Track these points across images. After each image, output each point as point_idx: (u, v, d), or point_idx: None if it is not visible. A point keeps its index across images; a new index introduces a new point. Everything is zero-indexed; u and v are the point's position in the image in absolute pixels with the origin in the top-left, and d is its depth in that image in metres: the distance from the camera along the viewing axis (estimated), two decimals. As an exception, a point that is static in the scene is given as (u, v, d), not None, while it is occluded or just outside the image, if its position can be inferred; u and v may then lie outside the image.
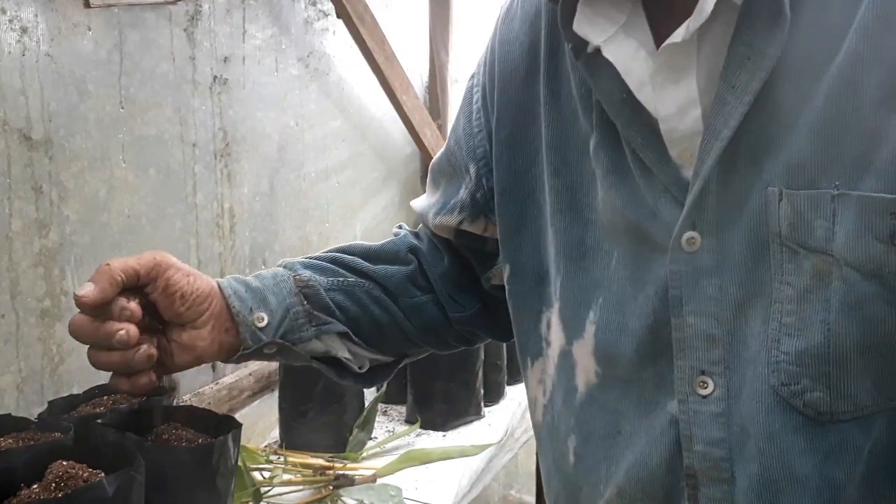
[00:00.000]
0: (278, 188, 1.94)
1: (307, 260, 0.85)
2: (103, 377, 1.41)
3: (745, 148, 0.58)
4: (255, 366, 1.83)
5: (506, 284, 0.79)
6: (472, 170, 0.81)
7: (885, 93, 0.52)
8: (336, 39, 2.14)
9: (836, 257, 0.54)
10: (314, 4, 2.04)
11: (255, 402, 1.79)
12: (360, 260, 0.85)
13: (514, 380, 1.99)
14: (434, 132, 2.58)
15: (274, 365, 1.73)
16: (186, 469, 1.01)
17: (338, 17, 2.08)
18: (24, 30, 1.27)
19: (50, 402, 1.19)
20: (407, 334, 0.87)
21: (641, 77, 0.60)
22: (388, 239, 0.90)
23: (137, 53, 1.48)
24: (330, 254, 0.86)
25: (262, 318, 0.77)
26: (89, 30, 1.39)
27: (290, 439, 1.58)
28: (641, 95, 0.61)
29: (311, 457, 1.51)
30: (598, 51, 0.62)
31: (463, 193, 0.83)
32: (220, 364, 1.77)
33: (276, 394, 1.64)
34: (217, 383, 1.72)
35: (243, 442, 1.18)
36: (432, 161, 0.90)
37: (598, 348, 0.68)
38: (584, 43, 0.63)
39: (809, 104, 0.55)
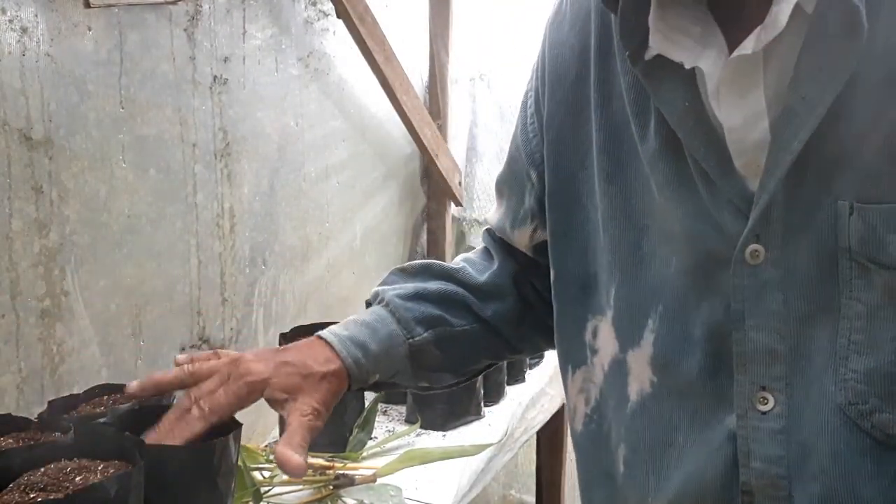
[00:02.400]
0: (278, 188, 1.94)
1: (416, 300, 0.83)
2: (103, 377, 1.42)
3: (815, 160, 0.56)
4: (255, 366, 1.82)
5: (552, 289, 0.78)
6: (534, 175, 0.81)
7: None
8: (336, 39, 2.14)
9: None
10: (314, 4, 2.03)
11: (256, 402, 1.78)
12: (470, 298, 0.84)
13: (514, 380, 1.98)
14: (434, 132, 2.58)
15: (274, 365, 1.73)
16: (187, 469, 1.01)
17: (338, 17, 2.08)
18: (24, 30, 1.27)
19: (50, 402, 1.18)
20: (504, 355, 0.91)
21: (714, 88, 0.60)
22: (487, 263, 0.88)
23: (138, 53, 1.48)
24: (442, 286, 0.85)
25: (374, 376, 0.81)
26: (89, 30, 1.39)
27: (290, 439, 1.57)
28: (713, 103, 0.60)
29: (311, 456, 1.50)
30: (657, 57, 0.62)
31: (529, 201, 0.82)
32: (220, 364, 1.76)
33: (276, 394, 1.64)
34: (217, 383, 1.71)
35: (243, 441, 1.18)
36: (498, 173, 0.90)
37: (657, 357, 0.67)
38: (642, 48, 0.62)
39: (884, 116, 0.54)
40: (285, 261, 1.99)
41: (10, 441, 0.99)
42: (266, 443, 1.65)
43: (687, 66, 0.60)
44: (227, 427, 1.09)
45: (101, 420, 1.08)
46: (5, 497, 0.83)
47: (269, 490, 1.38)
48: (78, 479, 0.86)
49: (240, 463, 1.19)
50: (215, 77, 1.69)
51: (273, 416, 1.67)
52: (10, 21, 1.25)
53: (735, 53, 0.57)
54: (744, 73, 0.58)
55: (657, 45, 0.60)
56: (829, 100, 0.54)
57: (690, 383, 0.64)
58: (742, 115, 0.59)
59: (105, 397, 1.22)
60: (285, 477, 1.43)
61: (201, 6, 1.64)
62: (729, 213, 0.61)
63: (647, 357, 0.67)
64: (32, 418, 1.08)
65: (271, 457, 1.50)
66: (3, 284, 1.26)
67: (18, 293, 1.28)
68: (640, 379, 0.68)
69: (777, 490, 0.59)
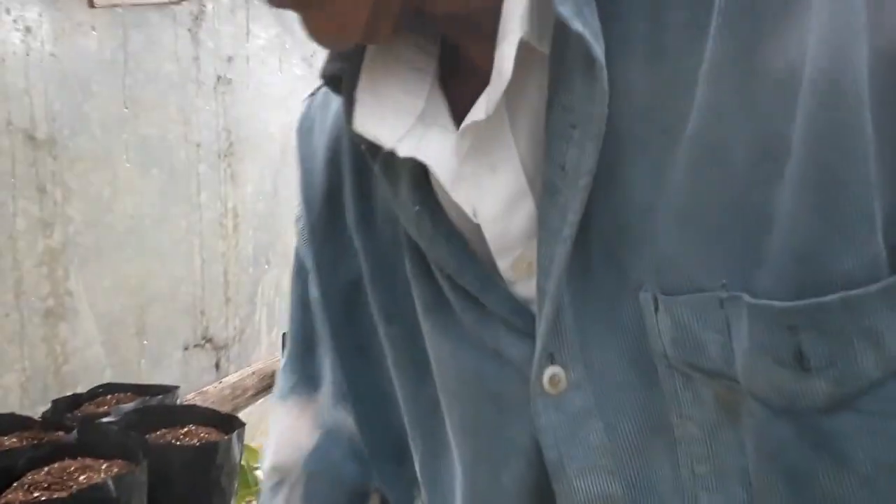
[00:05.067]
0: (282, 188, 1.95)
1: None
2: (107, 376, 1.42)
3: (599, 245, 0.42)
4: (258, 365, 1.83)
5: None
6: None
7: (759, 154, 0.35)
8: (340, 39, 2.14)
9: (742, 384, 0.38)
10: (318, 4, 2.03)
11: (259, 401, 1.79)
12: None
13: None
14: (438, 132, 2.58)
15: (277, 364, 1.73)
16: (190, 468, 1.01)
17: (341, 16, 2.08)
18: (28, 30, 1.27)
19: (54, 401, 1.19)
20: None
21: (452, 173, 0.44)
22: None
23: (141, 53, 1.48)
24: None
25: None
26: (93, 30, 1.39)
27: (294, 439, 1.57)
28: (457, 196, 0.44)
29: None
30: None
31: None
32: (223, 363, 1.77)
33: (279, 393, 1.64)
34: (220, 382, 1.72)
35: (246, 441, 1.18)
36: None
37: None
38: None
39: (668, 180, 0.39)
40: (289, 260, 1.99)
41: (14, 440, 0.99)
42: (269, 442, 1.65)
43: (401, 154, 0.44)
44: (230, 426, 1.09)
45: (105, 419, 1.08)
46: (9, 496, 0.84)
47: (273, 489, 1.38)
48: (82, 478, 0.87)
49: (243, 462, 1.19)
50: (219, 77, 1.70)
51: (276, 415, 1.67)
52: (15, 21, 1.25)
53: (465, 123, 0.42)
54: (487, 146, 0.43)
55: (363, 126, 0.45)
56: (591, 165, 0.39)
57: None
58: (498, 200, 0.44)
59: (109, 396, 1.22)
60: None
61: (205, 6, 1.64)
62: (507, 337, 0.46)
63: None
64: (36, 417, 1.08)
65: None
66: (7, 284, 1.26)
67: (22, 293, 1.29)
68: None
69: None
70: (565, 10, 0.36)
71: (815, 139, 0.33)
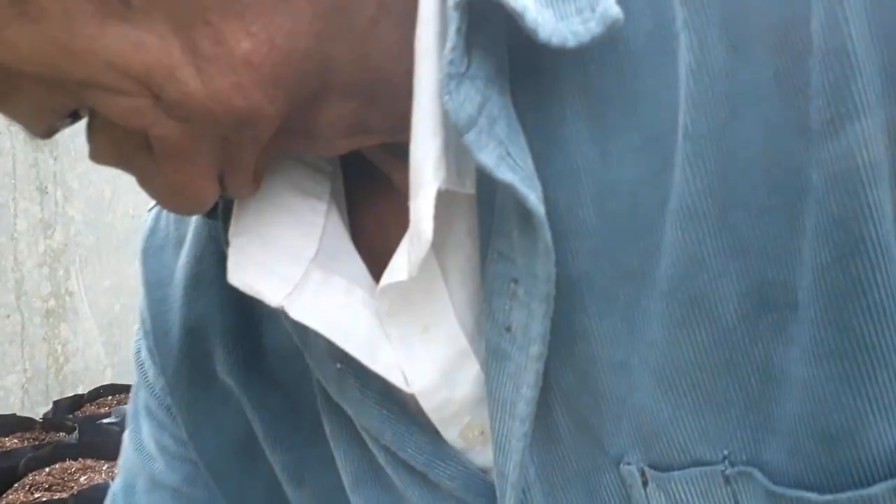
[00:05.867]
0: (282, 188, 1.94)
1: None
2: (107, 377, 1.42)
3: (565, 410, 0.34)
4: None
5: None
6: None
7: (755, 306, 0.29)
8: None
9: None
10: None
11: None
12: None
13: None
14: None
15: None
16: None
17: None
18: (29, 30, 1.27)
19: (55, 402, 1.19)
20: None
21: (369, 335, 0.36)
22: None
23: (142, 54, 1.48)
24: None
25: None
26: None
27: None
28: (378, 366, 0.36)
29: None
30: None
31: None
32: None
33: (280, 394, 1.64)
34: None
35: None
36: None
37: None
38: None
39: (641, 335, 0.32)
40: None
41: (16, 441, 1.00)
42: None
43: (292, 316, 0.34)
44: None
45: (106, 420, 1.08)
46: (11, 496, 0.84)
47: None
48: (82, 478, 0.87)
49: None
50: (220, 77, 1.70)
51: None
52: (16, 22, 1.25)
53: (383, 283, 0.34)
54: (413, 304, 0.35)
55: (238, 277, 0.35)
56: (541, 330, 0.32)
57: None
58: (433, 367, 0.36)
59: (110, 397, 1.22)
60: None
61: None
62: None
63: None
64: (37, 418, 1.08)
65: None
66: (8, 284, 1.26)
67: (23, 293, 1.29)
68: None
69: None
70: (487, 159, 0.28)
71: (831, 297, 0.27)
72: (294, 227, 0.36)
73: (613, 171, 0.30)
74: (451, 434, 0.37)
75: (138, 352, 0.47)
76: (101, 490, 0.83)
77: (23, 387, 1.29)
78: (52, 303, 1.34)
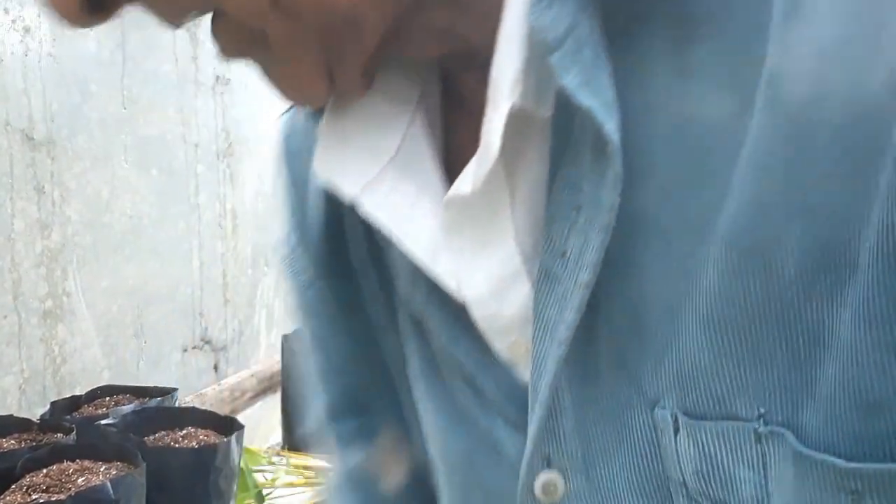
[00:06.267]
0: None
1: None
2: (105, 378, 1.42)
3: (609, 346, 0.35)
4: (257, 367, 1.82)
5: None
6: None
7: (815, 264, 0.28)
8: (339, 40, 2.14)
9: None
10: (317, 5, 2.03)
11: (258, 404, 1.78)
12: None
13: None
14: (437, 133, 2.57)
15: (276, 366, 1.73)
16: (189, 470, 1.01)
17: (340, 17, 2.07)
18: (26, 30, 1.26)
19: (52, 403, 1.18)
20: None
21: (431, 240, 0.37)
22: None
23: (140, 54, 1.48)
24: None
25: None
26: (92, 30, 1.38)
27: (293, 441, 1.57)
28: (437, 268, 0.37)
29: (314, 458, 1.50)
30: None
31: None
32: (222, 365, 1.76)
33: (278, 395, 1.64)
34: (219, 384, 1.71)
35: (245, 443, 1.18)
36: None
37: None
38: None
39: (696, 281, 0.32)
40: (288, 261, 1.99)
41: (13, 442, 0.99)
42: (268, 444, 1.64)
43: (361, 210, 0.37)
44: (229, 429, 1.09)
45: (104, 421, 1.08)
46: (8, 498, 0.83)
47: (272, 492, 1.37)
48: (80, 480, 0.86)
49: (242, 465, 1.19)
50: (218, 77, 1.69)
51: (274, 418, 1.66)
52: (13, 21, 1.24)
53: (449, 195, 0.36)
54: (476, 218, 0.37)
55: (323, 167, 0.37)
56: (594, 259, 0.32)
57: None
58: (486, 280, 0.37)
59: (107, 398, 1.22)
60: (288, 479, 1.43)
61: (204, 6, 1.63)
62: (504, 428, 0.39)
63: None
64: (35, 419, 1.08)
65: (274, 458, 1.50)
66: (5, 285, 1.25)
67: (20, 294, 1.28)
68: None
69: None
70: (570, 81, 0.29)
71: (892, 260, 0.26)
72: (378, 128, 0.37)
73: (692, 109, 0.30)
74: (499, 345, 0.38)
75: (282, 257, 0.50)
76: (99, 491, 0.83)
77: (20, 388, 1.29)
78: (49, 303, 1.33)
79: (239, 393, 1.73)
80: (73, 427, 1.01)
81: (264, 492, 1.36)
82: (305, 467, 1.47)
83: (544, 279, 0.35)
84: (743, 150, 0.29)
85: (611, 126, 0.30)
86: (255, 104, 1.82)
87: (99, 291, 1.43)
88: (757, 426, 0.31)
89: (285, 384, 1.60)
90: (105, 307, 1.45)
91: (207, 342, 1.72)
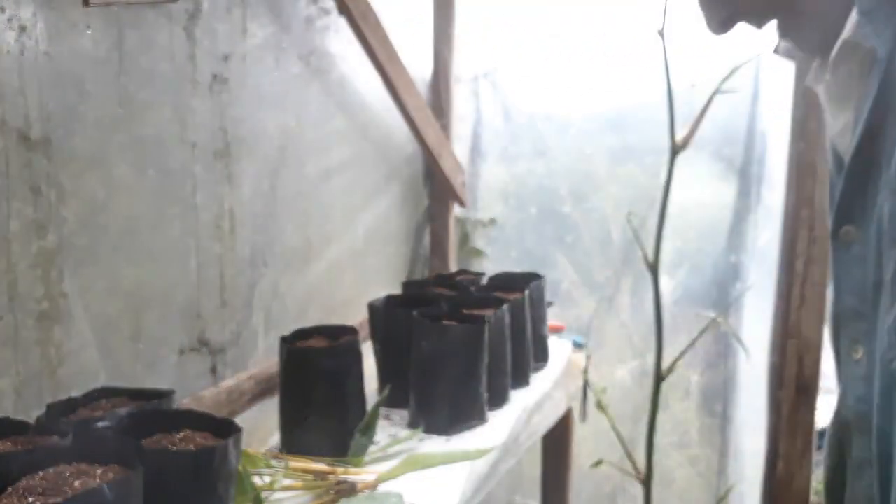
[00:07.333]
0: (279, 188, 1.93)
1: None
2: (101, 380, 1.40)
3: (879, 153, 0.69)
4: (255, 369, 1.81)
5: None
6: None
7: None
8: (338, 37, 2.13)
9: None
10: (315, 2, 2.02)
11: (256, 406, 1.77)
12: None
13: (518, 384, 1.97)
14: (437, 131, 2.57)
15: (274, 368, 1.72)
16: (186, 473, 1.00)
17: (340, 14, 2.06)
18: (22, 28, 1.25)
19: (48, 406, 1.17)
20: None
21: None
22: None
23: (136, 52, 1.47)
24: None
25: None
26: (88, 29, 1.37)
27: (291, 444, 1.56)
28: None
29: (313, 462, 1.49)
30: None
31: None
32: (219, 367, 1.75)
33: (276, 398, 1.63)
34: (217, 387, 1.70)
35: (243, 446, 1.17)
36: None
37: None
38: None
39: None
40: (286, 262, 1.98)
41: (9, 445, 0.98)
42: (266, 447, 1.63)
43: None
44: (226, 431, 1.07)
45: (100, 424, 1.07)
46: (4, 502, 0.82)
47: (270, 495, 1.36)
48: (77, 483, 0.85)
49: (240, 468, 1.18)
50: (215, 76, 1.68)
51: (272, 421, 1.65)
52: (9, 20, 1.23)
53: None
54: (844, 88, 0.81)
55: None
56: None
57: None
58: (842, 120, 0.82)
59: (104, 401, 1.21)
60: (286, 482, 1.41)
61: (201, 4, 1.62)
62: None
63: None
64: (31, 422, 1.07)
65: (272, 461, 1.49)
66: (1, 287, 1.24)
67: (16, 295, 1.27)
68: None
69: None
70: None
71: None
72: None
73: None
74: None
75: None
76: (96, 495, 0.82)
77: (16, 390, 1.28)
78: (45, 305, 1.32)
79: (237, 395, 1.72)
80: (70, 430, 1.00)
81: (262, 495, 1.34)
82: (304, 470, 1.46)
83: None
84: None
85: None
86: (253, 103, 1.81)
87: (96, 293, 1.42)
88: None
89: (283, 387, 1.59)
90: (102, 309, 1.44)
91: (205, 344, 1.71)
